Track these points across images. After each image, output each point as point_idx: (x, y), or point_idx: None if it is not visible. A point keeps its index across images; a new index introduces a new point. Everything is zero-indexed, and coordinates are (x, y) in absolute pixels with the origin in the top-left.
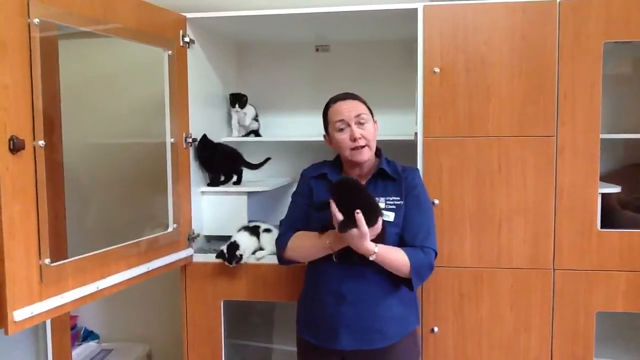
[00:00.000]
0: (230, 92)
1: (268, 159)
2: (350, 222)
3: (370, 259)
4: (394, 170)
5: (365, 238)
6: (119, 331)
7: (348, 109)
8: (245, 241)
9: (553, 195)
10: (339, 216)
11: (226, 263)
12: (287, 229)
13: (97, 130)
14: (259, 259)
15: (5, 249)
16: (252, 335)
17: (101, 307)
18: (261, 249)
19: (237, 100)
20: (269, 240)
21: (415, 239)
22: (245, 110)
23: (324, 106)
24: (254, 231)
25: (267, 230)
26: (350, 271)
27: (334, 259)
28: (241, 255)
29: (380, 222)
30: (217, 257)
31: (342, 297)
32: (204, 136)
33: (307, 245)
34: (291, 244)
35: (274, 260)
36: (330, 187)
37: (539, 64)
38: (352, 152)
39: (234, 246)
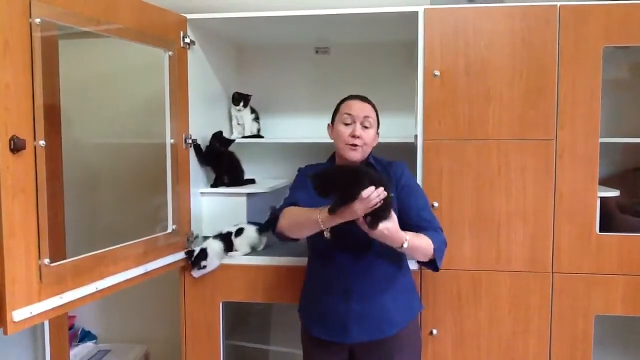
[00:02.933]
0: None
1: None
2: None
3: (405, 245)
4: (380, 166)
5: (396, 224)
6: (117, 332)
7: (360, 108)
8: (214, 253)
9: (552, 198)
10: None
11: (189, 262)
12: (287, 204)
13: (96, 131)
14: (231, 256)
15: (5, 248)
16: (251, 336)
17: (99, 308)
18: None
19: (243, 98)
20: (241, 242)
21: (422, 221)
22: (244, 111)
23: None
24: (227, 242)
25: (239, 232)
26: (353, 266)
27: (327, 235)
28: (205, 266)
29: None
30: (186, 253)
31: (350, 293)
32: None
33: (298, 215)
34: (285, 212)
35: (272, 262)
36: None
37: (539, 67)
38: (346, 147)
39: (202, 254)
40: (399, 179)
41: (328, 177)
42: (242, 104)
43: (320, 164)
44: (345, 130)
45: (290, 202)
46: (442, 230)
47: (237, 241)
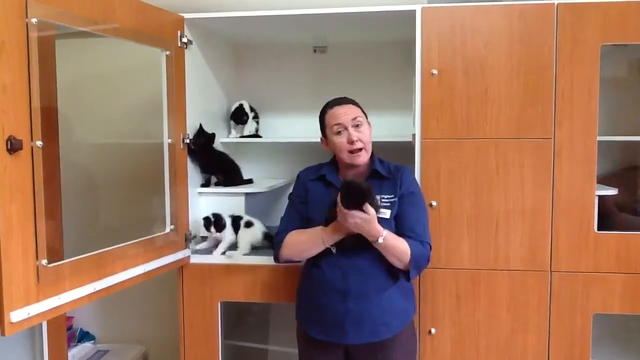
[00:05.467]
0: (232, 111)
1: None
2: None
3: (379, 241)
4: (386, 169)
5: (374, 220)
6: (115, 332)
7: (345, 113)
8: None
9: (550, 197)
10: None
11: (205, 225)
12: (284, 229)
13: (94, 131)
14: (229, 256)
15: (3, 249)
16: (249, 336)
17: (97, 308)
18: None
19: (240, 117)
20: (244, 237)
21: (413, 232)
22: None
23: (321, 106)
24: (236, 224)
25: (248, 224)
26: (352, 267)
27: (333, 251)
28: (224, 225)
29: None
30: (204, 218)
31: (347, 293)
32: (200, 127)
33: (303, 239)
34: (287, 240)
35: (270, 262)
36: (341, 188)
37: (536, 66)
38: (350, 155)
39: (219, 221)
40: (402, 184)
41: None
42: (244, 117)
43: (321, 165)
44: (342, 140)
45: (288, 222)
46: (430, 247)
47: (242, 233)
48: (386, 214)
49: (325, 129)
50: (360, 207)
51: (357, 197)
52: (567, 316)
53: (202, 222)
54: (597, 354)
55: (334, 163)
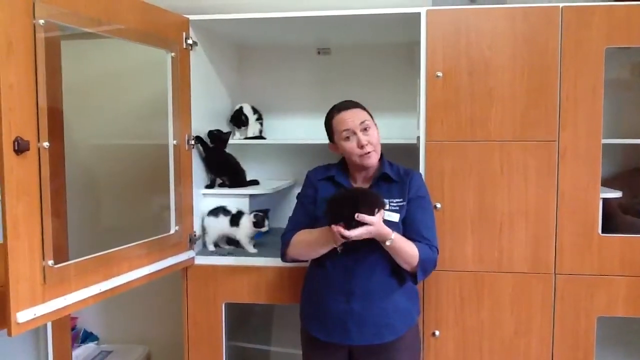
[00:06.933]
0: (232, 115)
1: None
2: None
3: (388, 243)
4: (396, 173)
5: (380, 224)
6: (119, 332)
7: (352, 118)
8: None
9: (554, 199)
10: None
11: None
12: (291, 228)
13: (99, 132)
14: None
15: (9, 250)
16: (253, 337)
17: (101, 309)
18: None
19: (239, 120)
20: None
21: (421, 237)
22: (248, 124)
23: (325, 112)
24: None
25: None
26: (357, 268)
27: (338, 251)
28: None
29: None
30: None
31: (351, 294)
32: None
33: (310, 239)
34: (294, 239)
35: (275, 263)
36: (328, 207)
37: (541, 68)
38: (361, 158)
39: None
40: (411, 189)
41: (335, 205)
42: (241, 123)
43: (329, 165)
44: (352, 145)
45: (296, 221)
46: (437, 251)
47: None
48: (395, 217)
49: (333, 135)
50: (354, 213)
51: (348, 206)
52: (571, 319)
53: (252, 219)
54: (600, 357)
55: (343, 165)
